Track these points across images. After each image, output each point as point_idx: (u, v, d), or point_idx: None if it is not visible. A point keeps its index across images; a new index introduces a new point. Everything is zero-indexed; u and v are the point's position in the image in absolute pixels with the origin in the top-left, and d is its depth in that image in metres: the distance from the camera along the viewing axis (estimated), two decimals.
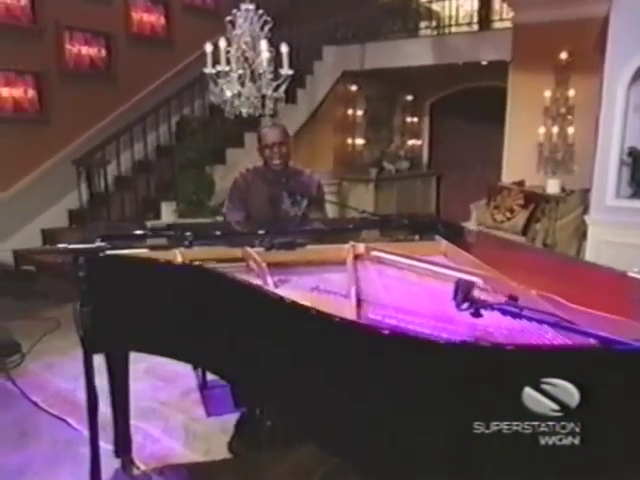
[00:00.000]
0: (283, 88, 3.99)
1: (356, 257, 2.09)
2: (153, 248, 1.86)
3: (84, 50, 5.75)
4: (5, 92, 5.20)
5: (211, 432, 2.53)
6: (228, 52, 3.90)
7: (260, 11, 3.90)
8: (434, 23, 6.68)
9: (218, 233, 2.24)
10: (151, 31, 6.36)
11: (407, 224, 2.47)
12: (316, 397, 1.18)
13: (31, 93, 5.38)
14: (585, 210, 4.57)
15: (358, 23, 6.68)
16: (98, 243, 1.78)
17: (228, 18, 3.91)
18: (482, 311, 1.16)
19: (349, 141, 7.24)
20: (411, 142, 8.15)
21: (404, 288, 1.75)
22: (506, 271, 1.92)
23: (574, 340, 1.17)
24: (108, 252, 1.68)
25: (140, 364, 2.82)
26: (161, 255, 1.88)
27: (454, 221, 2.41)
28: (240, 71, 3.91)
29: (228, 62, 3.81)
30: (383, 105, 7.67)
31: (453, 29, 6.44)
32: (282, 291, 1.70)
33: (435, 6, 7.17)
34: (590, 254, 4.03)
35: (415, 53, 6.24)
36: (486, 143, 7.05)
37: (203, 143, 5.76)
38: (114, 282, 1.63)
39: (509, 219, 5.03)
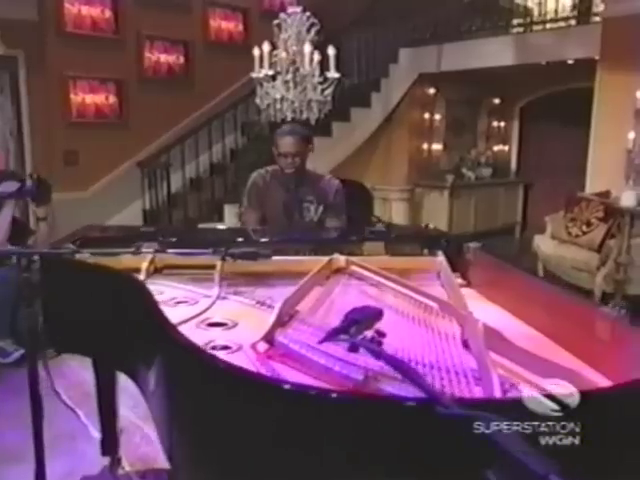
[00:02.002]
0: (329, 92, 3.88)
1: (337, 270, 1.96)
2: (130, 252, 1.84)
3: (163, 58, 6.04)
4: (89, 99, 5.58)
5: None
6: (275, 55, 3.88)
7: (307, 13, 3.83)
8: (517, 20, 6.20)
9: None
10: (229, 38, 6.54)
11: (409, 238, 2.28)
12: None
13: (112, 99, 5.73)
14: None
15: (436, 24, 6.40)
16: (68, 247, 1.81)
17: (276, 21, 3.89)
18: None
19: (425, 146, 6.97)
20: (497, 148, 7.68)
21: None
22: (491, 296, 1.72)
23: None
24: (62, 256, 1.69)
25: None
26: (128, 261, 1.87)
27: (457, 237, 2.18)
28: (288, 75, 3.87)
29: (271, 65, 3.78)
30: (465, 109, 7.31)
31: (535, 26, 5.94)
32: (224, 302, 1.62)
33: (529, 2, 6.70)
34: None
35: (493, 53, 5.86)
36: (581, 150, 6.48)
37: (267, 146, 5.80)
38: (61, 285, 1.64)
39: (585, 233, 4.56)
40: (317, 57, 3.91)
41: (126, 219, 5.75)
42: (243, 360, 1.16)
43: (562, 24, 5.96)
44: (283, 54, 3.93)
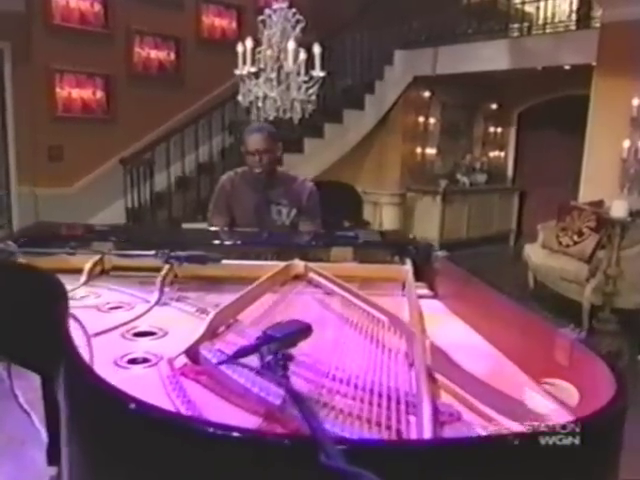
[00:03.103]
0: (314, 91, 3.77)
1: (296, 277, 1.85)
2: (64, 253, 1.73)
3: (153, 54, 5.94)
4: (75, 93, 5.48)
5: None
6: (259, 52, 3.77)
7: (293, 10, 3.73)
8: (514, 25, 6.08)
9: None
10: (222, 35, 6.43)
11: (376, 244, 2.16)
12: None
13: (99, 94, 5.63)
14: None
15: (432, 26, 6.29)
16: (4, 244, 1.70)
17: (260, 18, 3.78)
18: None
19: (419, 150, 6.86)
20: (493, 154, 7.57)
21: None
22: (456, 309, 1.61)
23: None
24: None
25: None
26: (76, 261, 1.77)
27: (425, 243, 2.06)
28: (272, 73, 3.76)
29: (253, 63, 3.67)
30: (461, 113, 7.20)
31: (532, 30, 5.83)
32: (163, 309, 1.51)
33: (527, 6, 6.59)
34: None
35: (489, 57, 5.76)
36: (578, 158, 6.37)
37: None
38: None
39: (576, 243, 4.44)
40: (303, 55, 3.79)
41: (111, 216, 5.64)
42: (154, 377, 1.05)
43: (560, 29, 5.85)
44: (268, 51, 3.82)
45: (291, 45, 3.58)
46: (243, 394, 0.99)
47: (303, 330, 1.01)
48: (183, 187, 5.64)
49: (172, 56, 6.09)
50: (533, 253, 4.88)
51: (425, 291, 1.83)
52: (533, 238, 5.43)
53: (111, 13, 5.56)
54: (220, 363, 0.95)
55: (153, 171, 5.22)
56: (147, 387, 1.02)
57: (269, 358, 0.82)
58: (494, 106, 7.47)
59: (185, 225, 5.17)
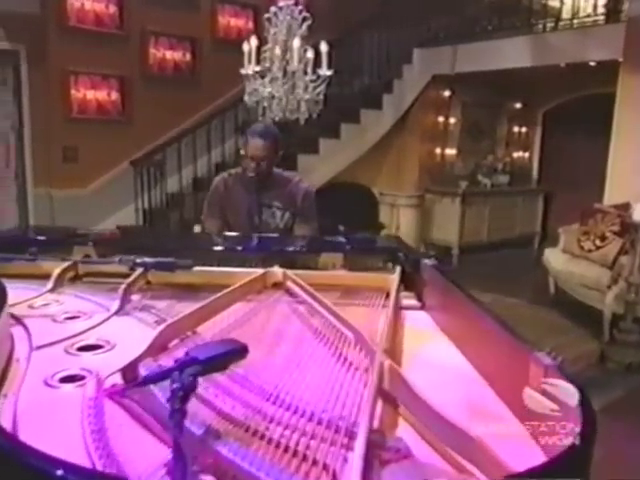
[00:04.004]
0: (320, 90, 3.67)
1: (275, 285, 1.75)
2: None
3: (168, 54, 5.92)
4: (90, 95, 5.49)
5: None
6: (265, 51, 3.69)
7: (299, 7, 3.63)
8: (537, 20, 5.83)
9: None
10: (238, 35, 6.37)
11: (363, 250, 2.05)
12: None
13: (115, 96, 5.63)
14: None
15: (452, 23, 6.12)
16: None
17: (266, 15, 3.70)
18: None
19: (438, 151, 6.68)
20: (516, 155, 7.33)
21: (272, 335, 1.36)
22: (440, 323, 1.49)
23: None
24: None
25: None
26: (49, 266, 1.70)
27: (415, 251, 1.94)
28: (278, 72, 3.67)
29: (259, 62, 3.58)
30: (484, 113, 6.99)
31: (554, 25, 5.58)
32: (121, 319, 1.42)
33: (550, 1, 6.34)
34: None
35: (510, 54, 5.55)
36: (607, 159, 6.11)
37: None
38: None
39: (598, 248, 4.22)
40: (310, 54, 3.70)
41: (124, 218, 5.64)
42: (78, 398, 0.96)
43: (587, 23, 5.58)
44: (276, 50, 3.73)
45: (296, 43, 3.49)
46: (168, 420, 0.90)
47: (236, 351, 0.90)
48: (196, 189, 5.60)
49: (187, 57, 6.06)
50: (553, 258, 4.67)
51: (413, 302, 1.72)
52: (558, 242, 5.22)
53: (126, 14, 5.55)
54: (128, 388, 0.86)
55: (164, 172, 5.19)
56: (64, 410, 0.93)
57: (175, 386, 0.72)
58: (518, 105, 7.24)
59: (197, 227, 5.14)
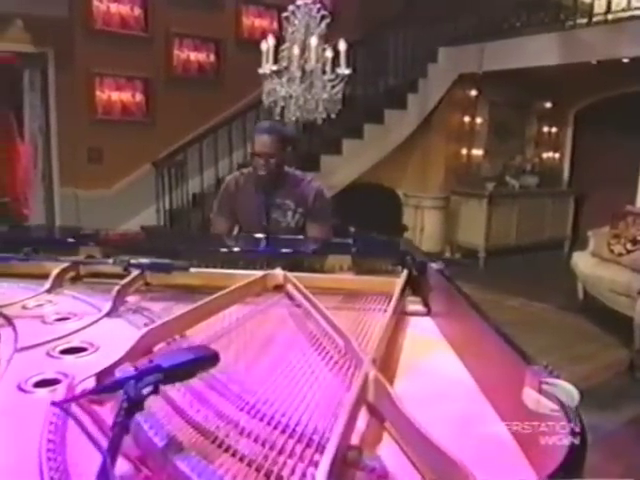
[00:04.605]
0: (338, 89, 3.61)
1: (276, 288, 1.70)
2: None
3: (192, 56, 5.94)
4: (115, 96, 5.55)
5: None
6: (283, 50, 3.65)
7: (318, 5, 3.58)
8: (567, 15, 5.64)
9: None
10: (262, 36, 6.33)
11: (369, 253, 1.98)
12: None
13: (139, 97, 5.68)
14: None
15: (478, 21, 5.99)
16: None
17: (284, 14, 3.66)
18: None
19: (464, 152, 6.54)
20: (546, 155, 7.13)
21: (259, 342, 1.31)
22: (444, 330, 1.42)
23: None
24: None
25: None
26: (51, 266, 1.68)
27: (423, 253, 1.86)
28: (296, 72, 3.63)
29: (276, 61, 3.55)
30: (511, 112, 6.81)
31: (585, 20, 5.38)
32: (111, 321, 1.39)
33: None
34: None
35: (539, 51, 5.38)
36: None
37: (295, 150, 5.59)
38: None
39: (629, 252, 4.06)
40: (330, 53, 3.64)
41: (147, 219, 5.69)
42: (46, 404, 0.92)
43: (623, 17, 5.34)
44: (295, 49, 3.69)
45: (314, 41, 3.44)
46: (136, 430, 0.86)
47: (205, 359, 0.85)
48: (218, 189, 5.59)
49: (212, 58, 6.08)
50: (582, 261, 4.51)
51: (419, 307, 1.65)
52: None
53: (151, 16, 5.60)
54: (82, 396, 0.81)
55: (185, 173, 5.21)
56: (30, 417, 0.89)
57: (124, 396, 0.67)
58: (548, 104, 7.04)
59: None
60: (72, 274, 1.75)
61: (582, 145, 7.23)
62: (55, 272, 1.66)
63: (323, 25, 3.58)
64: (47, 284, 1.62)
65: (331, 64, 3.65)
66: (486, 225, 6.20)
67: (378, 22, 6.06)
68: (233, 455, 0.81)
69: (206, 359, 0.86)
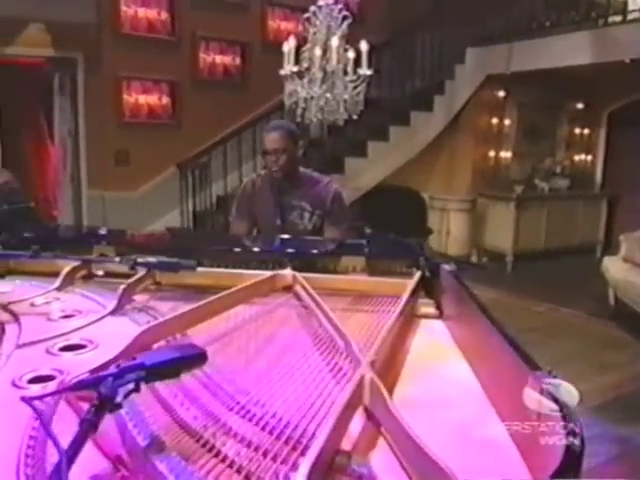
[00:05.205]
0: (360, 90, 3.57)
1: (285, 288, 1.68)
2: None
3: (218, 59, 5.98)
4: (142, 99, 5.63)
5: None
6: (304, 51, 3.64)
7: (339, 6, 3.56)
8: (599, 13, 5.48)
9: None
10: (287, 38, 6.35)
11: (381, 253, 1.94)
12: None
13: (165, 100, 5.74)
14: None
15: (507, 20, 5.88)
16: None
17: (306, 15, 3.65)
18: None
19: (492, 154, 6.42)
20: (578, 158, 6.95)
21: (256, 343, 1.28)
22: (455, 334, 1.38)
23: None
24: None
25: None
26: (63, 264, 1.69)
27: (435, 255, 1.82)
28: (318, 73, 3.61)
29: (297, 62, 3.54)
30: (541, 114, 6.65)
31: (618, 18, 5.22)
32: (114, 319, 1.38)
33: None
34: None
35: (569, 50, 5.24)
36: None
37: (317, 150, 5.58)
38: None
39: None
40: (352, 54, 3.62)
41: (173, 220, 5.74)
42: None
43: None
44: (317, 50, 3.67)
45: (335, 42, 3.41)
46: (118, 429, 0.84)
47: (191, 358, 0.83)
48: None
49: (237, 61, 6.11)
50: (613, 267, 4.36)
51: (431, 310, 1.60)
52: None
53: (177, 20, 5.66)
54: (56, 393, 0.80)
55: (208, 175, 5.24)
56: (20, 413, 0.88)
57: (97, 393, 0.65)
58: (580, 105, 6.86)
59: None
60: (83, 273, 1.76)
61: (616, 147, 7.02)
62: (65, 270, 1.67)
63: (344, 26, 3.55)
64: (57, 282, 1.63)
65: (353, 65, 3.62)
66: (514, 229, 6.07)
67: (405, 23, 6.01)
68: (216, 456, 0.79)
69: (192, 358, 0.84)
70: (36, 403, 0.85)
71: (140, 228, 5.53)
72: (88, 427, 0.60)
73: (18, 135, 6.41)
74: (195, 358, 0.84)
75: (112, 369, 0.75)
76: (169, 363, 0.80)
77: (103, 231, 2.18)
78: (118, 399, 0.71)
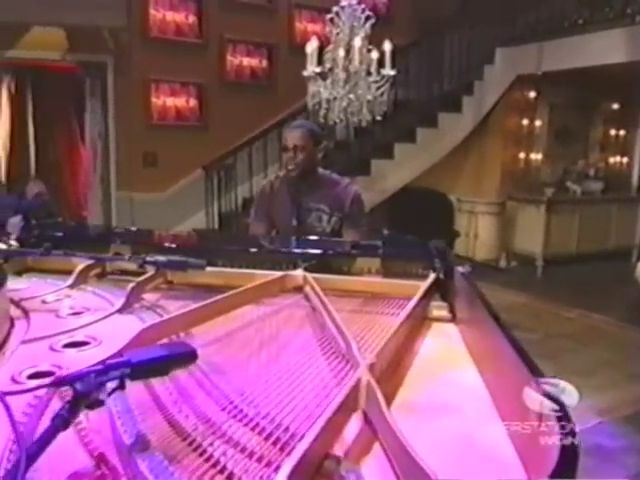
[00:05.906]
0: (383, 90, 3.54)
1: (295, 289, 1.66)
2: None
3: (245, 61, 6.02)
4: (170, 102, 5.70)
5: None
6: (327, 53, 3.62)
7: (362, 6, 3.53)
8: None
9: None
10: None
11: (394, 254, 1.90)
12: None
13: (193, 102, 5.81)
14: None
15: (537, 19, 5.75)
16: None
17: (329, 16, 3.63)
18: None
19: (522, 156, 6.28)
20: (613, 160, 6.75)
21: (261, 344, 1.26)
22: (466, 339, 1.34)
23: None
24: None
25: None
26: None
27: (451, 257, 1.76)
28: (340, 74, 3.59)
29: (320, 63, 3.52)
30: (574, 115, 6.49)
31: None
32: (121, 317, 1.38)
33: None
34: None
35: (603, 49, 5.09)
36: None
37: (344, 153, 5.56)
38: None
39: None
40: (375, 54, 3.59)
41: (199, 222, 5.78)
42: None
43: None
44: (340, 51, 3.65)
45: (357, 42, 3.38)
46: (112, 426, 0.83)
47: (180, 356, 0.81)
48: None
49: (264, 63, 6.14)
50: None
51: (444, 313, 1.56)
52: None
53: (205, 23, 5.71)
54: (37, 388, 0.79)
55: (234, 177, 5.26)
56: (17, 406, 0.88)
57: (72, 389, 0.64)
58: (615, 106, 6.66)
59: None
60: (97, 271, 1.78)
61: None
62: (79, 268, 1.69)
63: (367, 26, 3.52)
64: (69, 280, 1.64)
65: (377, 65, 3.59)
66: (544, 232, 5.93)
67: (433, 23, 5.94)
68: (201, 455, 0.77)
69: (181, 356, 0.83)
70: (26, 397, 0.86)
71: (167, 229, 5.59)
72: (59, 423, 0.59)
73: (51, 139, 6.58)
74: (184, 356, 0.82)
75: (96, 366, 0.74)
76: (156, 361, 0.79)
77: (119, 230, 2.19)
78: (101, 396, 0.70)
